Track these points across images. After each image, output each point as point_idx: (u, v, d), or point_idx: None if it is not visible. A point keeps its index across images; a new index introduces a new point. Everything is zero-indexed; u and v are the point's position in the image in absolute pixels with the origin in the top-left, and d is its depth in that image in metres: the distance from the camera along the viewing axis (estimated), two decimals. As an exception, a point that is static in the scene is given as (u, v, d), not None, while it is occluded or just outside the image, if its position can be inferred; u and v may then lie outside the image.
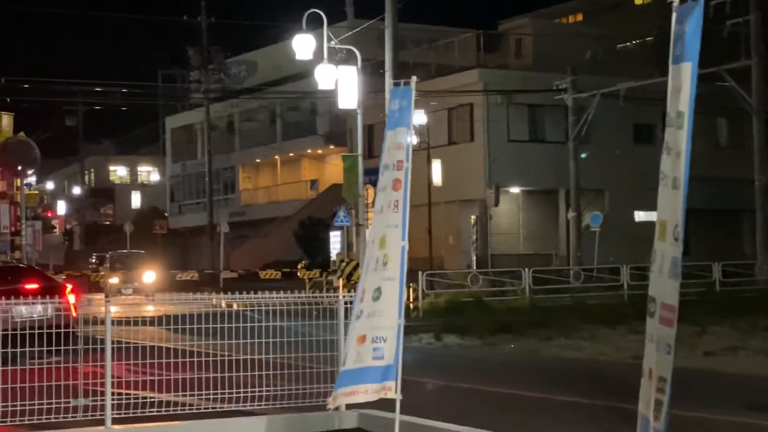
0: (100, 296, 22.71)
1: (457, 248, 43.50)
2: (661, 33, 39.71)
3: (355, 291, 9.06)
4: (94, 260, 56.19)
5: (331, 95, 33.56)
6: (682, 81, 6.52)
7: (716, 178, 42.38)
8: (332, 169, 55.36)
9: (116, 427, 9.71)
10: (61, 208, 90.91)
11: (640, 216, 43.60)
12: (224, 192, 66.63)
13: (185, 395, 10.20)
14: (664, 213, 6.68)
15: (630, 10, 64.71)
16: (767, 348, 17.50)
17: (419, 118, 37.55)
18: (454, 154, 43.17)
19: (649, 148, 42.40)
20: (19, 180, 31.59)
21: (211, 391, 10.15)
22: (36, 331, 10.14)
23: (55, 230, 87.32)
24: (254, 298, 10.55)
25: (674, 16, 6.62)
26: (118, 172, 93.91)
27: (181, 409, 10.11)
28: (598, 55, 47.32)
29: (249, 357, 10.47)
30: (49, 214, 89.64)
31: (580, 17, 69.12)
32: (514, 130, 43.52)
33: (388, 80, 29.81)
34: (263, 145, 63.05)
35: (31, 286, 17.60)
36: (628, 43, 55.96)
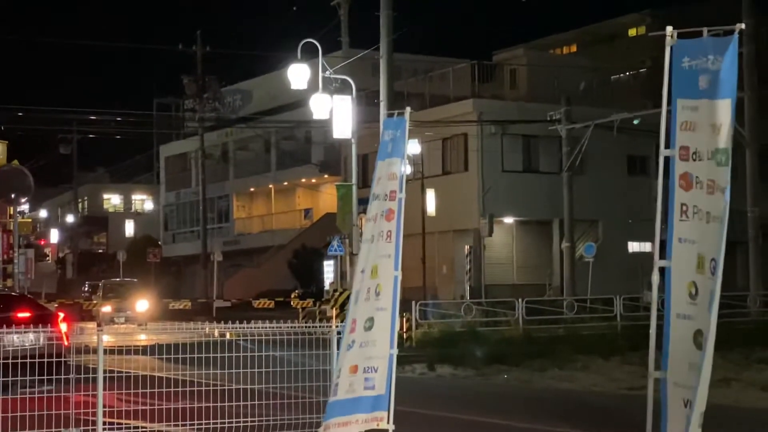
0: (93, 325, 22.67)
1: (451, 278, 43.46)
2: (655, 65, 39.82)
3: (348, 321, 9.01)
4: (86, 288, 56.11)
5: (325, 125, 33.62)
6: (722, 118, 6.50)
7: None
8: (326, 198, 55.37)
9: (107, 456, 9.66)
10: (54, 236, 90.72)
11: (633, 247, 43.61)
12: (218, 221, 66.55)
13: (177, 425, 10.15)
14: (701, 246, 6.70)
15: (624, 41, 64.97)
16: (760, 380, 17.43)
17: (413, 147, 37.62)
18: (448, 184, 43.19)
19: (642, 179, 42.39)
20: (12, 208, 31.57)
21: (204, 421, 10.10)
22: (28, 360, 10.09)
23: (48, 258, 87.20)
24: (247, 328, 10.53)
25: (668, 49, 6.64)
26: (112, 200, 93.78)
27: (172, 439, 10.06)
28: (592, 86, 47.47)
29: (241, 387, 10.42)
30: (42, 242, 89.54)
31: (574, 48, 69.39)
32: (508, 161, 43.61)
33: (383, 110, 29.86)
34: (257, 174, 63.09)
35: (23, 314, 17.50)
36: (621, 75, 56.18)
